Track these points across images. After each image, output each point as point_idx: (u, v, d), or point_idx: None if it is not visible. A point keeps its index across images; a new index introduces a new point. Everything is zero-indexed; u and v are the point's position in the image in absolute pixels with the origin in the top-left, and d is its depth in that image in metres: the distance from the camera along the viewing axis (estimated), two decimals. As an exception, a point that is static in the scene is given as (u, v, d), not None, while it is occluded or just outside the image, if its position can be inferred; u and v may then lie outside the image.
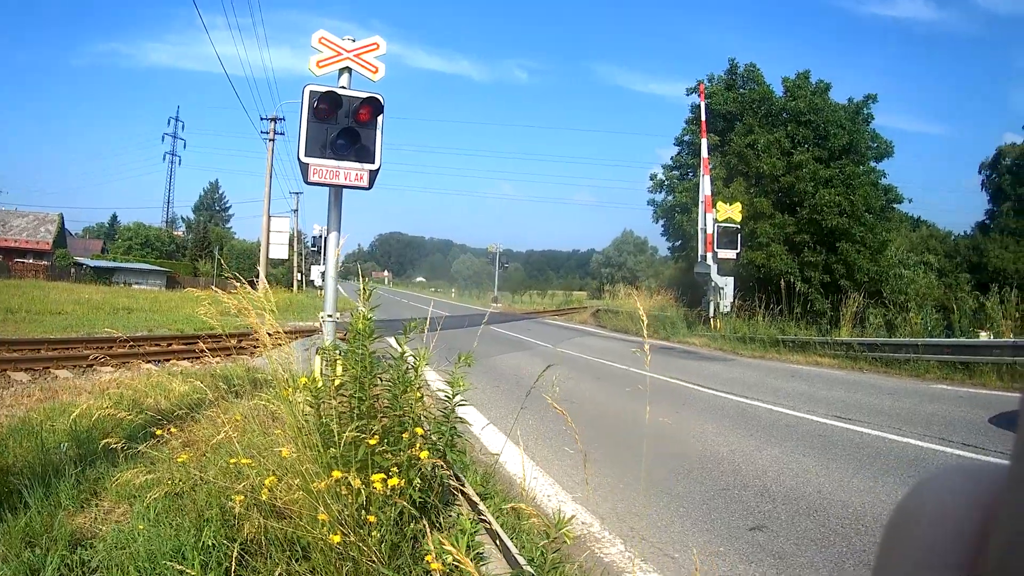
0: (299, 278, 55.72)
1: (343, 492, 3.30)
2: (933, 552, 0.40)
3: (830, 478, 6.37)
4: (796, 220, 26.72)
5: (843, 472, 6.56)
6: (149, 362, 12.70)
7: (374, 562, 3.07)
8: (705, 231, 24.62)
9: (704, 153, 25.97)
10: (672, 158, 33.57)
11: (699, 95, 28.37)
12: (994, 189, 39.93)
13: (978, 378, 13.14)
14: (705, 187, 25.09)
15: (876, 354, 16.32)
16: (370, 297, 3.88)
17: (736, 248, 24.35)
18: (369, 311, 3.77)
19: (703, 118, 26.74)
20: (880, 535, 0.44)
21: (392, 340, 3.98)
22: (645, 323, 3.33)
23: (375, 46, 7.20)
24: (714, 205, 24.55)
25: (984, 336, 15.13)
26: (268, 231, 34.24)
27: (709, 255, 24.29)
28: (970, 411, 9.71)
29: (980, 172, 41.50)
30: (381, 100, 6.70)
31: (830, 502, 5.63)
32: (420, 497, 3.50)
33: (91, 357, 9.18)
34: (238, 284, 4.23)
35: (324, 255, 10.29)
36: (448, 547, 2.43)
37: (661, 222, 33.09)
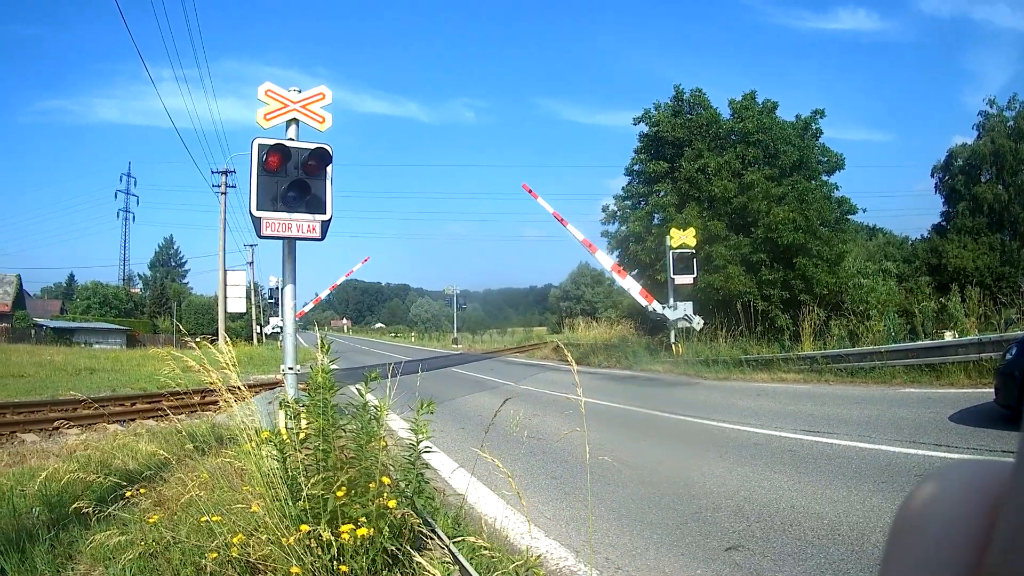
0: (258, 330, 55.10)
1: (313, 545, 3.29)
2: (940, 550, 0.40)
3: (803, 492, 6.40)
4: (751, 240, 26.70)
5: (815, 485, 6.59)
6: (114, 422, 12.44)
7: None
8: (633, 290, 26.08)
9: (580, 236, 28.22)
10: (623, 188, 33.36)
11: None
12: (948, 191, 40.68)
13: (946, 378, 13.13)
14: (606, 262, 27.87)
15: (841, 365, 16.28)
16: (328, 349, 3.90)
17: (693, 273, 24.52)
18: (328, 363, 3.78)
19: (549, 210, 28.44)
20: (886, 535, 0.44)
21: (354, 389, 3.98)
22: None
23: (321, 96, 7.27)
24: (668, 232, 25.02)
25: (949, 336, 15.07)
26: (225, 285, 34.41)
27: (654, 304, 25.17)
28: (939, 412, 9.68)
29: (933, 175, 42.32)
30: (329, 150, 6.76)
31: (804, 515, 5.65)
32: (392, 545, 3.49)
33: (57, 420, 9.03)
34: (195, 341, 4.23)
35: (281, 307, 10.37)
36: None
37: (616, 252, 32.72)
